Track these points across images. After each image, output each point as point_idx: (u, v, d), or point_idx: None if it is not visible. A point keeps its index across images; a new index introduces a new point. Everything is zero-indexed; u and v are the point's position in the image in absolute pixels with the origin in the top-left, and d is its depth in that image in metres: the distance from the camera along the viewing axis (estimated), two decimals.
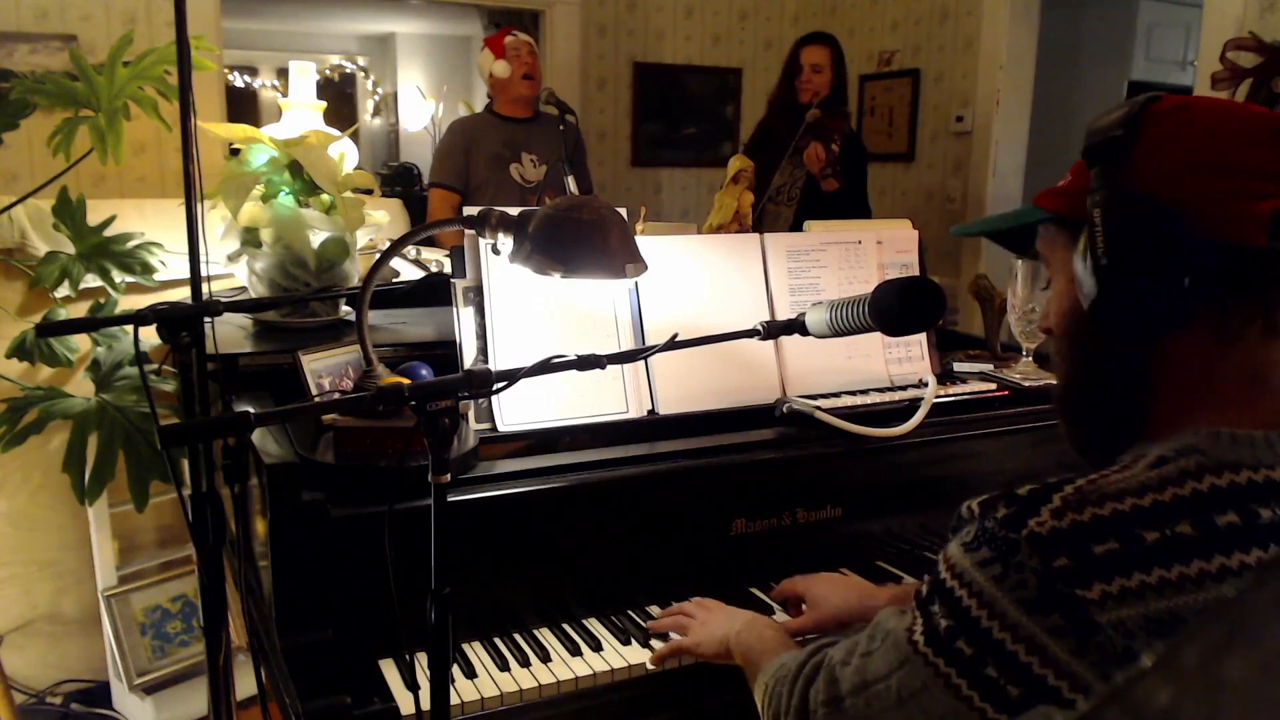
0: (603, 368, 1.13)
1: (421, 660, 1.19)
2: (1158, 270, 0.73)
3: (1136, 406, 0.79)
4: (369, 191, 1.97)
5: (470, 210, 1.34)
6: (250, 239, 1.74)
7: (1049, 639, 0.68)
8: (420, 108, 8.50)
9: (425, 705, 1.01)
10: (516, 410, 1.41)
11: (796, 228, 1.78)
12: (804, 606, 1.31)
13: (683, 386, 1.52)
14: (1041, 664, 0.68)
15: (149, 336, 1.36)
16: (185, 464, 1.56)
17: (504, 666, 1.22)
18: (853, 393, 1.63)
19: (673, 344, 1.21)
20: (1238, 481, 0.70)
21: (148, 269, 2.17)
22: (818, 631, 1.27)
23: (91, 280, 2.13)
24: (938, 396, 1.62)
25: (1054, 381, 0.90)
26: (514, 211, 1.32)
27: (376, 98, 9.59)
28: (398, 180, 7.27)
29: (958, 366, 1.82)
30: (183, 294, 1.82)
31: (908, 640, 0.76)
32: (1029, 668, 0.69)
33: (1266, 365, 0.75)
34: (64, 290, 2.10)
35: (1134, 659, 0.66)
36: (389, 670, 1.20)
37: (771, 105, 3.62)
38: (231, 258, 1.79)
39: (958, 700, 0.72)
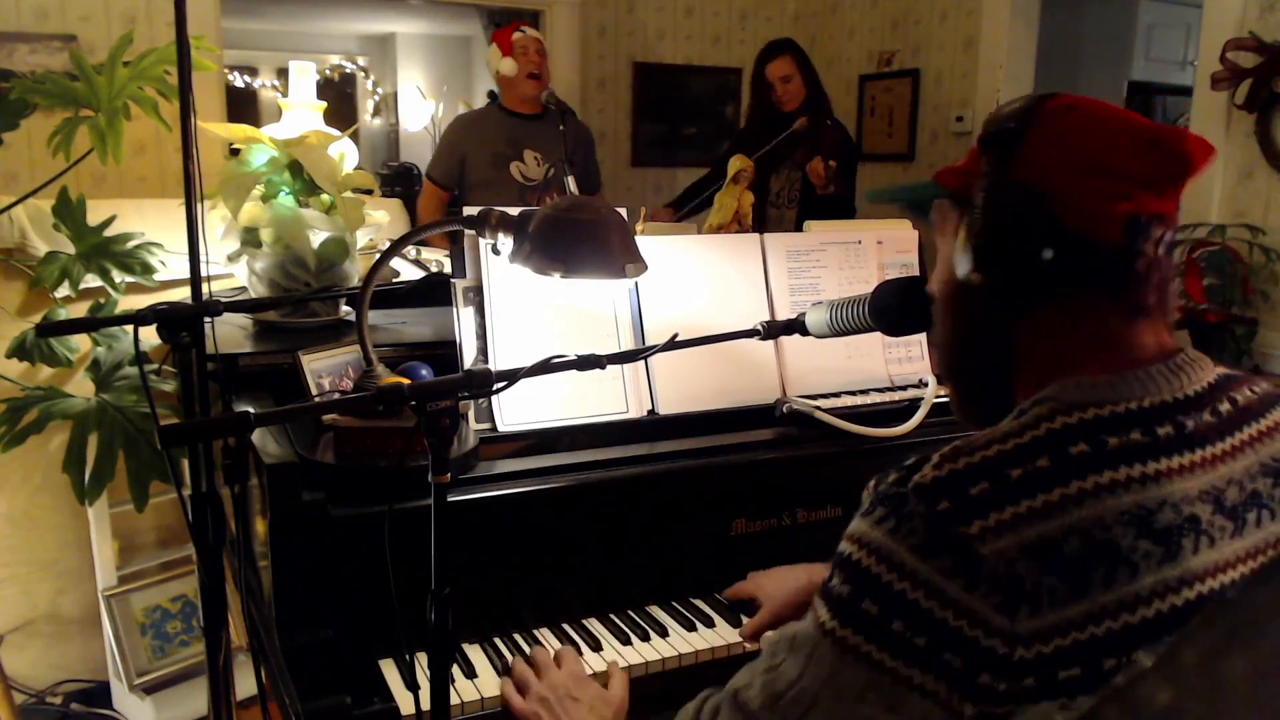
0: (603, 368, 1.13)
1: (421, 660, 1.19)
2: (1024, 254, 0.81)
3: (1001, 371, 0.88)
4: (369, 191, 1.97)
5: (470, 210, 1.34)
6: (250, 239, 1.74)
7: (943, 580, 0.72)
8: (420, 108, 8.50)
9: (425, 705, 1.01)
10: (516, 410, 1.41)
11: (799, 228, 1.78)
12: (755, 604, 1.33)
13: (683, 386, 1.52)
14: (941, 606, 0.72)
15: (149, 336, 1.36)
16: (185, 464, 1.56)
17: (504, 667, 1.22)
18: (853, 393, 1.63)
19: (673, 344, 1.21)
20: (1085, 417, 0.78)
21: (148, 269, 2.16)
22: (779, 623, 1.28)
23: (91, 280, 2.12)
24: (938, 396, 1.62)
25: None
26: (514, 211, 1.32)
27: (376, 98, 9.59)
28: (398, 180, 7.26)
29: None
30: (183, 294, 1.82)
31: (814, 628, 0.79)
32: (930, 612, 0.72)
33: (1113, 334, 0.82)
34: (64, 290, 2.10)
35: (1018, 584, 0.71)
36: (389, 670, 1.20)
37: (752, 118, 3.62)
38: (231, 258, 1.79)
39: (870, 669, 0.75)
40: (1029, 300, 0.83)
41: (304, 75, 1.85)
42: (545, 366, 1.09)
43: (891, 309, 1.18)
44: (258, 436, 1.28)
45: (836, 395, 1.61)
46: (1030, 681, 0.71)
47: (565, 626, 1.32)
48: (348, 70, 9.62)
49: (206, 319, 1.37)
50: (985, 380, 0.90)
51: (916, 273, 1.75)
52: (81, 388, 2.10)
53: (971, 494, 0.74)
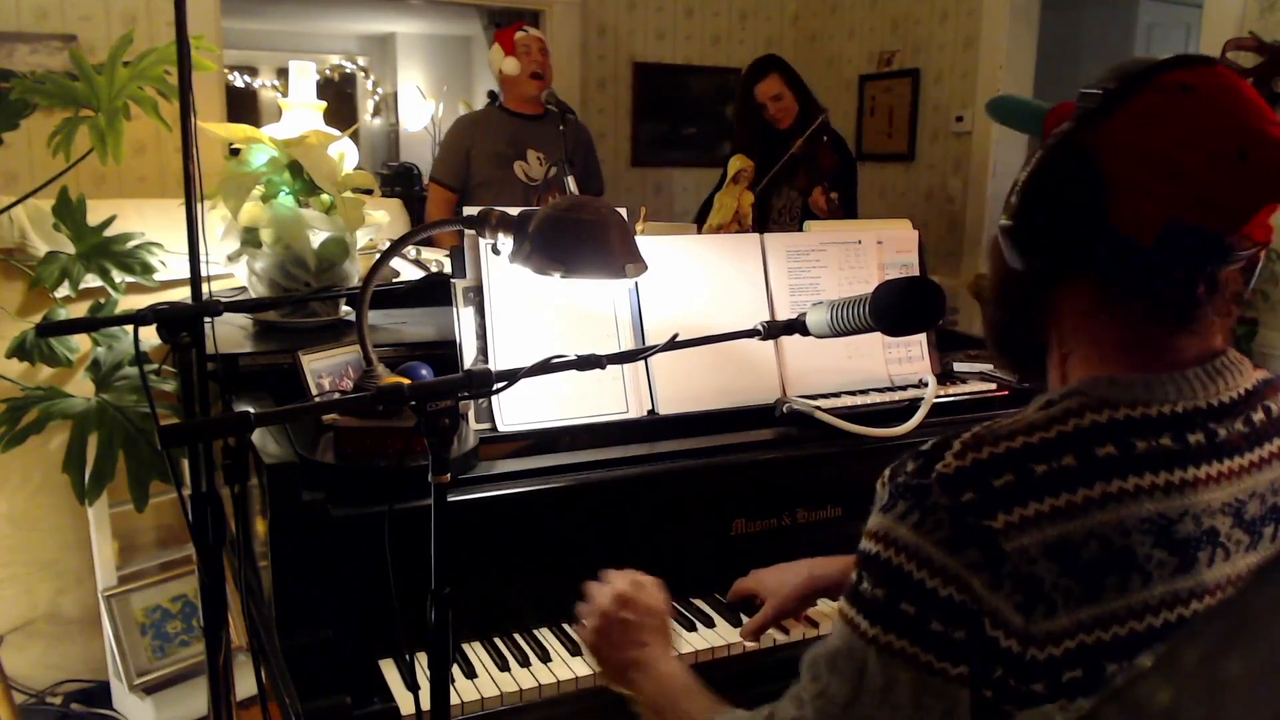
0: (603, 368, 1.13)
1: (421, 660, 1.19)
2: (1053, 225, 0.77)
3: (1027, 337, 0.86)
4: (369, 191, 1.97)
5: (470, 210, 1.34)
6: (250, 239, 1.74)
7: (970, 575, 0.71)
8: (420, 108, 8.49)
9: (425, 705, 1.01)
10: (516, 410, 1.41)
11: None
12: (757, 601, 1.33)
13: (683, 386, 1.52)
14: (971, 600, 0.71)
15: (149, 336, 1.36)
16: (185, 464, 1.56)
17: (504, 666, 1.23)
18: (853, 393, 1.63)
19: (673, 344, 1.21)
20: (1115, 417, 0.75)
21: (148, 269, 2.16)
22: (781, 620, 1.30)
23: (91, 280, 2.13)
24: (938, 396, 1.62)
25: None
26: (514, 211, 1.32)
27: (376, 98, 9.59)
28: (398, 180, 7.27)
29: (958, 366, 1.82)
30: (183, 294, 1.81)
31: (855, 639, 0.76)
32: (963, 606, 0.71)
33: (1146, 337, 0.79)
34: (64, 290, 2.10)
35: (1037, 584, 0.70)
36: (389, 670, 1.20)
37: (744, 136, 3.51)
38: (231, 258, 1.79)
39: (918, 671, 0.73)
40: (1055, 270, 0.80)
41: (304, 75, 1.85)
42: (545, 366, 1.09)
43: (892, 309, 1.18)
44: (258, 436, 1.28)
45: (836, 395, 1.61)
46: (1040, 687, 0.71)
47: (565, 626, 1.32)
48: (348, 70, 9.62)
49: (206, 319, 1.37)
50: (1016, 335, 0.88)
51: (916, 273, 1.75)
52: (81, 388, 2.10)
53: (996, 486, 0.72)
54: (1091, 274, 0.78)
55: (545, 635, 1.30)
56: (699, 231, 2.17)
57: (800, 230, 3.36)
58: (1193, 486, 0.74)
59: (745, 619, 1.33)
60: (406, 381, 1.07)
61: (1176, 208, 0.72)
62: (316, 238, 1.74)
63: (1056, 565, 0.70)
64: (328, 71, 9.40)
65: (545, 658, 1.25)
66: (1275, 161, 0.72)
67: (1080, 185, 0.75)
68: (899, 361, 1.71)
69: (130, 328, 1.32)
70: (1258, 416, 0.79)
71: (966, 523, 0.71)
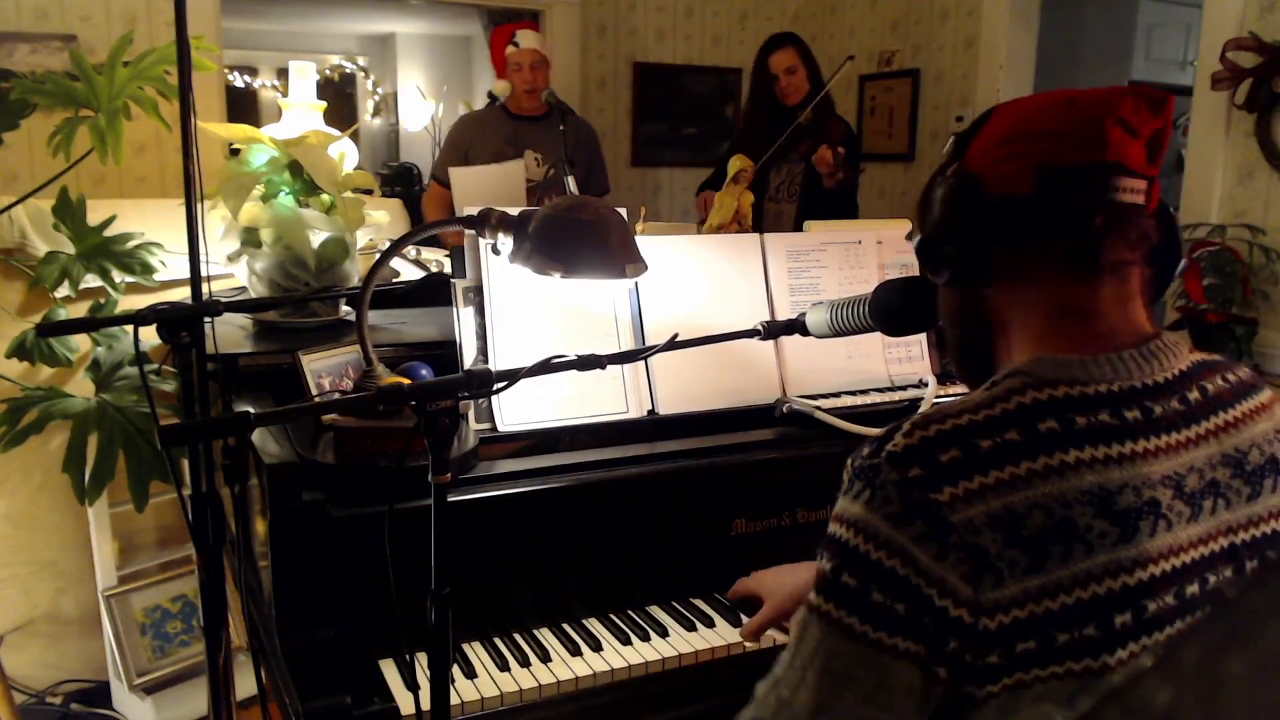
0: (603, 368, 1.13)
1: (421, 660, 1.19)
2: (957, 231, 0.86)
3: (981, 346, 0.91)
4: (369, 191, 1.97)
5: (471, 210, 1.34)
6: (250, 239, 1.74)
7: (916, 548, 0.74)
8: (420, 108, 8.49)
9: (425, 705, 1.01)
10: (516, 410, 1.41)
11: (799, 223, 1.78)
12: (756, 601, 1.33)
13: (683, 386, 1.52)
14: (915, 574, 0.74)
15: (149, 336, 1.36)
16: (185, 464, 1.56)
17: (504, 666, 1.23)
18: (853, 393, 1.63)
19: (673, 344, 1.21)
20: (1056, 395, 0.80)
21: (148, 269, 2.16)
22: (780, 621, 1.30)
23: (91, 280, 2.13)
24: (938, 396, 1.62)
25: None
26: (514, 211, 1.32)
27: (376, 98, 9.58)
28: (398, 180, 7.26)
29: None
30: (183, 294, 1.82)
31: (804, 609, 0.80)
32: (907, 580, 0.74)
33: (1078, 300, 0.84)
34: (64, 290, 2.10)
35: (983, 554, 0.73)
36: (389, 670, 1.20)
37: (754, 112, 3.54)
38: (231, 258, 1.79)
39: (853, 641, 0.76)
40: (975, 274, 0.86)
41: (304, 75, 1.85)
42: (545, 366, 1.09)
43: (892, 309, 1.18)
44: (258, 436, 1.28)
45: (836, 395, 1.61)
46: (995, 658, 0.73)
47: (565, 626, 1.32)
48: (348, 70, 9.61)
49: (206, 319, 1.37)
50: (970, 350, 0.93)
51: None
52: (81, 388, 2.10)
53: (942, 461, 0.76)
54: (1000, 263, 0.85)
55: (545, 635, 1.30)
56: (700, 217, 2.17)
57: (798, 205, 3.37)
58: (1131, 460, 0.77)
59: (745, 619, 1.33)
60: (406, 381, 1.07)
61: (1040, 156, 0.81)
62: (316, 238, 1.74)
63: (1001, 535, 0.73)
64: (328, 71, 9.39)
65: (545, 658, 1.25)
66: (1096, 94, 0.82)
67: (953, 185, 0.86)
68: (899, 361, 1.71)
69: (130, 328, 1.32)
70: (1193, 395, 0.83)
71: (914, 497, 0.75)
